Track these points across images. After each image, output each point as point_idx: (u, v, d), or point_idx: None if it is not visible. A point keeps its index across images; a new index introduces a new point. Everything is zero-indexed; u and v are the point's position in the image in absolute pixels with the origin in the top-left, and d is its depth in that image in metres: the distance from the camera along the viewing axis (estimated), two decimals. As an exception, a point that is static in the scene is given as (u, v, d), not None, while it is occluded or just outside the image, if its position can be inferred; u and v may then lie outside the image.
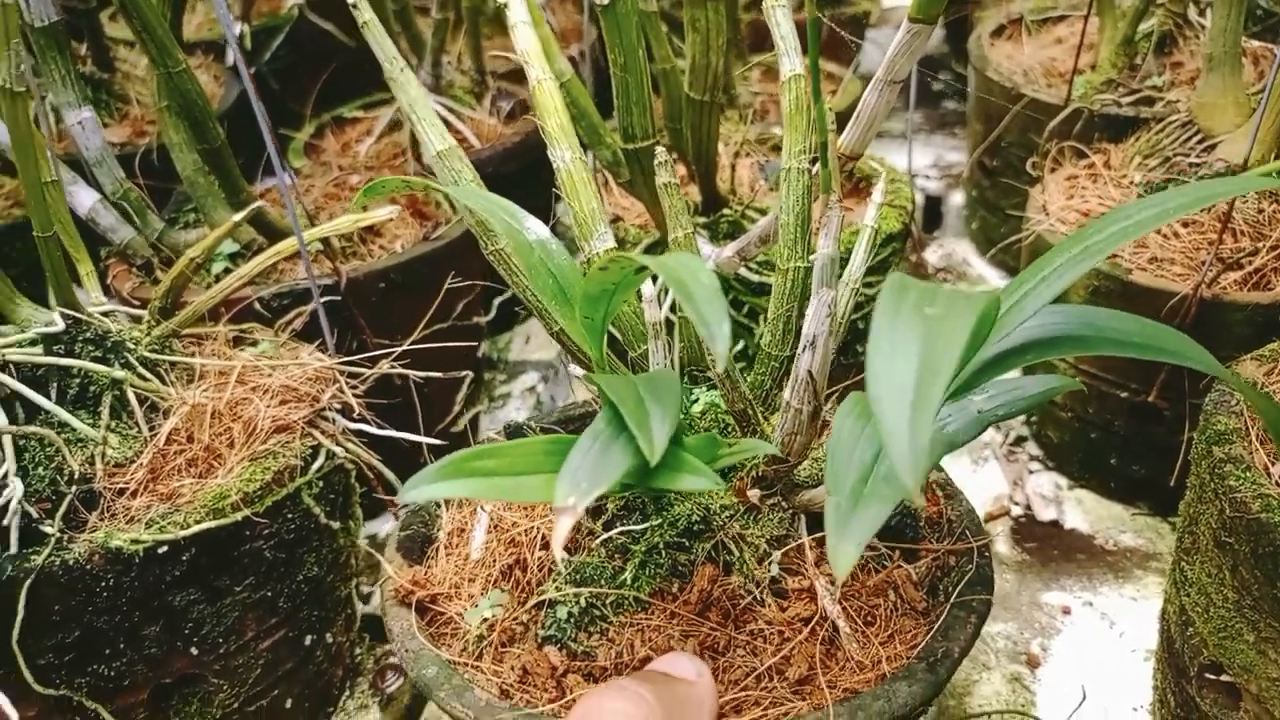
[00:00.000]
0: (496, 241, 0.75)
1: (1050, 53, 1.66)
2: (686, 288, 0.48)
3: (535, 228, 0.67)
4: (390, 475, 0.89)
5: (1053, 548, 1.19)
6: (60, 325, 0.82)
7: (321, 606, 0.89)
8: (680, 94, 1.07)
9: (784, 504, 0.73)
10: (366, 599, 1.12)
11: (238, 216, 0.89)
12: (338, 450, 0.84)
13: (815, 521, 0.73)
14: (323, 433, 0.84)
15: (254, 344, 0.97)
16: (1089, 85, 1.49)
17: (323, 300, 0.96)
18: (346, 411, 0.88)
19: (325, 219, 1.34)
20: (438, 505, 0.80)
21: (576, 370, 0.75)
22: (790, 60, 0.75)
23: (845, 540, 0.45)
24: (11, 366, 0.78)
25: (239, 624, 0.81)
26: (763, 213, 1.21)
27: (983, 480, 1.30)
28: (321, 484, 0.85)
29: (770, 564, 0.70)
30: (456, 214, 1.30)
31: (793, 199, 0.74)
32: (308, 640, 0.88)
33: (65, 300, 0.82)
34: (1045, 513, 1.24)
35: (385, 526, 1.25)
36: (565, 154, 0.75)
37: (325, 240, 1.06)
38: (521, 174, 1.57)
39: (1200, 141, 1.18)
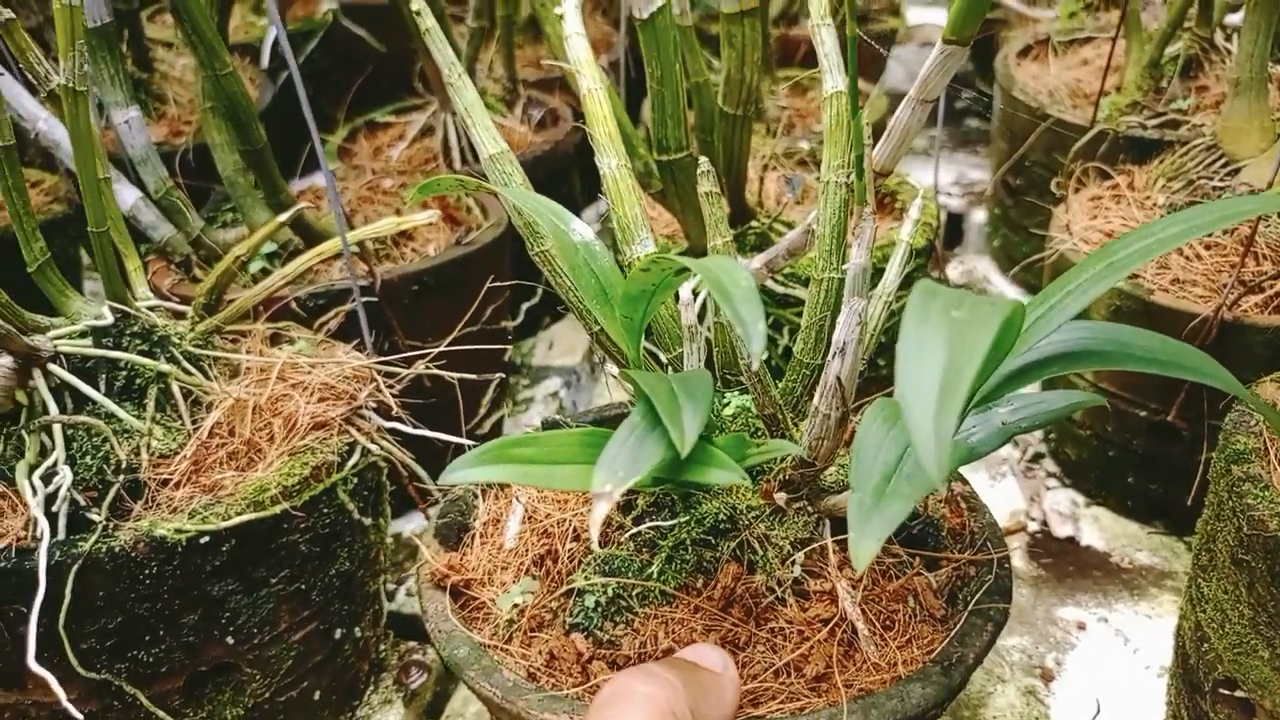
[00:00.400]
0: (543, 243, 0.77)
1: (1076, 74, 1.67)
2: (725, 289, 0.51)
3: (580, 230, 0.69)
4: (423, 473, 0.92)
5: (1069, 564, 1.20)
6: (109, 319, 0.84)
7: (351, 601, 0.92)
8: (713, 107, 1.10)
9: (809, 508, 0.75)
10: (392, 596, 1.14)
11: (282, 217, 0.92)
12: (373, 448, 0.86)
13: (839, 526, 0.75)
14: (359, 430, 0.87)
15: (291, 342, 0.99)
16: (1114, 107, 1.51)
17: (360, 300, 0.99)
18: (381, 410, 0.90)
19: (359, 221, 1.37)
20: (475, 495, 0.82)
21: (613, 369, 0.77)
22: (833, 77, 0.77)
23: (866, 536, 0.47)
24: (62, 358, 0.81)
25: (273, 615, 0.83)
26: (789, 226, 1.23)
27: (1000, 495, 1.31)
28: (356, 480, 0.87)
29: (793, 565, 0.71)
30: (488, 220, 1.32)
31: (830, 211, 0.76)
32: (337, 634, 0.91)
33: (114, 294, 0.85)
34: (1062, 529, 1.25)
35: (410, 525, 1.27)
36: (612, 160, 0.77)
37: (361, 243, 1.08)
38: (550, 181, 1.60)
39: (1225, 165, 1.20)
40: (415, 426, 0.90)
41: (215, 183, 1.29)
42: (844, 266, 0.73)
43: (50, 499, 0.75)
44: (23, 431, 0.78)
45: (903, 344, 0.42)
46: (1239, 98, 1.18)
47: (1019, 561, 1.21)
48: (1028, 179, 1.63)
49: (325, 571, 0.87)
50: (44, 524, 0.72)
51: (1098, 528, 1.25)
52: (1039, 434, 1.39)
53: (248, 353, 0.93)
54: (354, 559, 0.90)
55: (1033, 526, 1.26)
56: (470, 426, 1.31)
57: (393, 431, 0.91)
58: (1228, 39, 1.52)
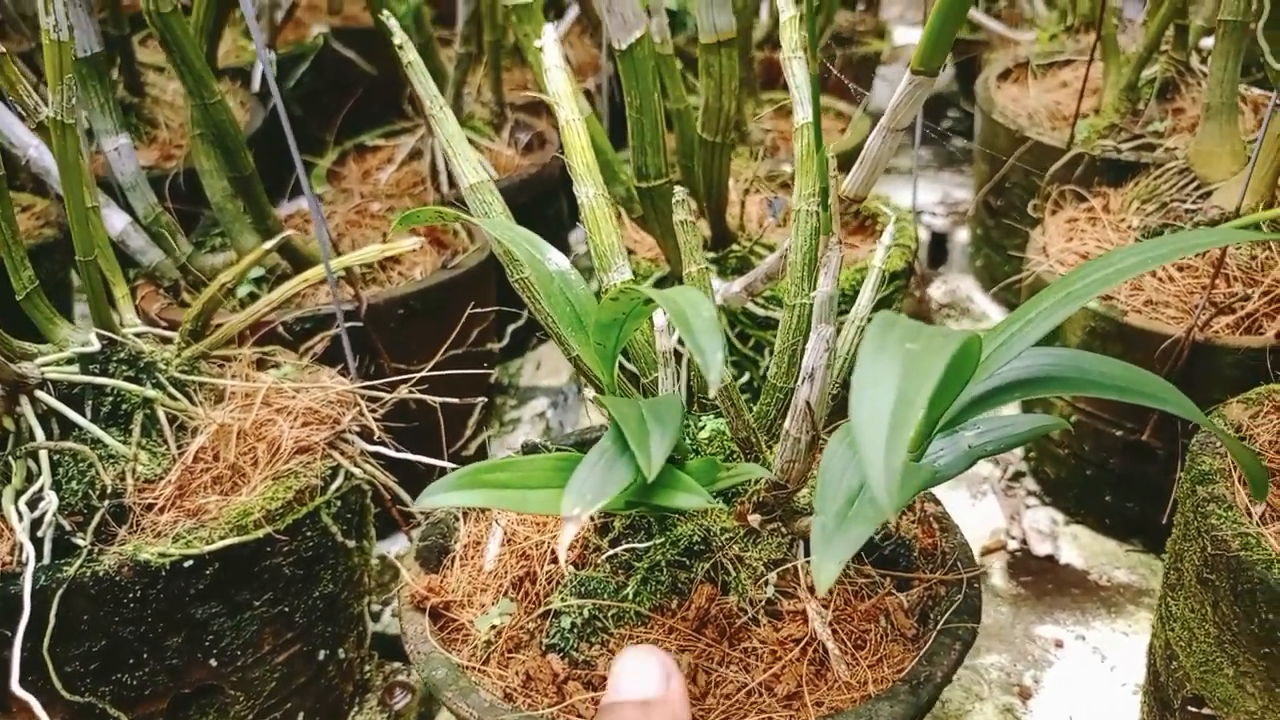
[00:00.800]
0: (521, 271, 0.79)
1: (1056, 96, 1.70)
2: (687, 320, 0.52)
3: (556, 259, 0.71)
4: (406, 496, 0.93)
5: (1048, 582, 1.22)
6: (96, 345, 0.86)
7: (335, 623, 0.93)
8: (693, 133, 1.12)
9: (783, 529, 0.76)
10: (377, 617, 1.15)
11: (268, 244, 0.94)
12: (356, 471, 0.88)
13: (811, 547, 0.76)
14: (342, 454, 0.88)
15: (277, 366, 1.01)
16: (1093, 129, 1.53)
17: (345, 325, 1.00)
18: (365, 434, 0.91)
19: (347, 245, 1.39)
20: (456, 518, 0.83)
21: (590, 393, 0.79)
22: (803, 109, 0.79)
23: (827, 559, 0.49)
24: (50, 384, 0.82)
25: (257, 637, 0.84)
26: (770, 249, 1.25)
27: (980, 514, 1.33)
28: (339, 503, 0.89)
29: (766, 585, 0.73)
30: (474, 243, 1.34)
31: (801, 239, 0.78)
32: (321, 655, 0.92)
33: (102, 321, 0.86)
34: (1041, 547, 1.26)
35: (395, 547, 1.28)
36: (590, 190, 0.79)
37: (347, 267, 1.10)
38: (536, 204, 1.62)
39: (1197, 188, 1.22)
40: (398, 450, 0.92)
41: (205, 207, 1.31)
42: (813, 293, 0.75)
43: (36, 524, 0.76)
44: (9, 458, 0.79)
45: (858, 375, 0.44)
46: (1210, 122, 1.21)
47: (999, 579, 1.23)
48: (1008, 200, 1.65)
49: (309, 594, 0.88)
50: (29, 549, 0.73)
51: (1077, 546, 1.27)
52: (1019, 452, 1.41)
53: (233, 377, 0.94)
54: (338, 581, 0.91)
55: (1013, 545, 1.28)
56: (457, 448, 1.32)
57: (376, 455, 0.92)
58: (1203, 62, 1.54)
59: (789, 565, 0.74)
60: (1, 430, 0.80)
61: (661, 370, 0.75)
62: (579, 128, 0.83)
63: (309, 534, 0.86)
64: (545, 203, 1.63)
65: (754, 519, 0.75)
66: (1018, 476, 1.38)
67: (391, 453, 0.91)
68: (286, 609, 0.86)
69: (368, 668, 1.04)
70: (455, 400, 0.94)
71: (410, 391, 0.91)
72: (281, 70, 2.05)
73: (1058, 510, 1.31)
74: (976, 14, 2.18)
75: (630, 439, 0.55)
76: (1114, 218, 1.28)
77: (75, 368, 0.84)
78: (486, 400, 1.34)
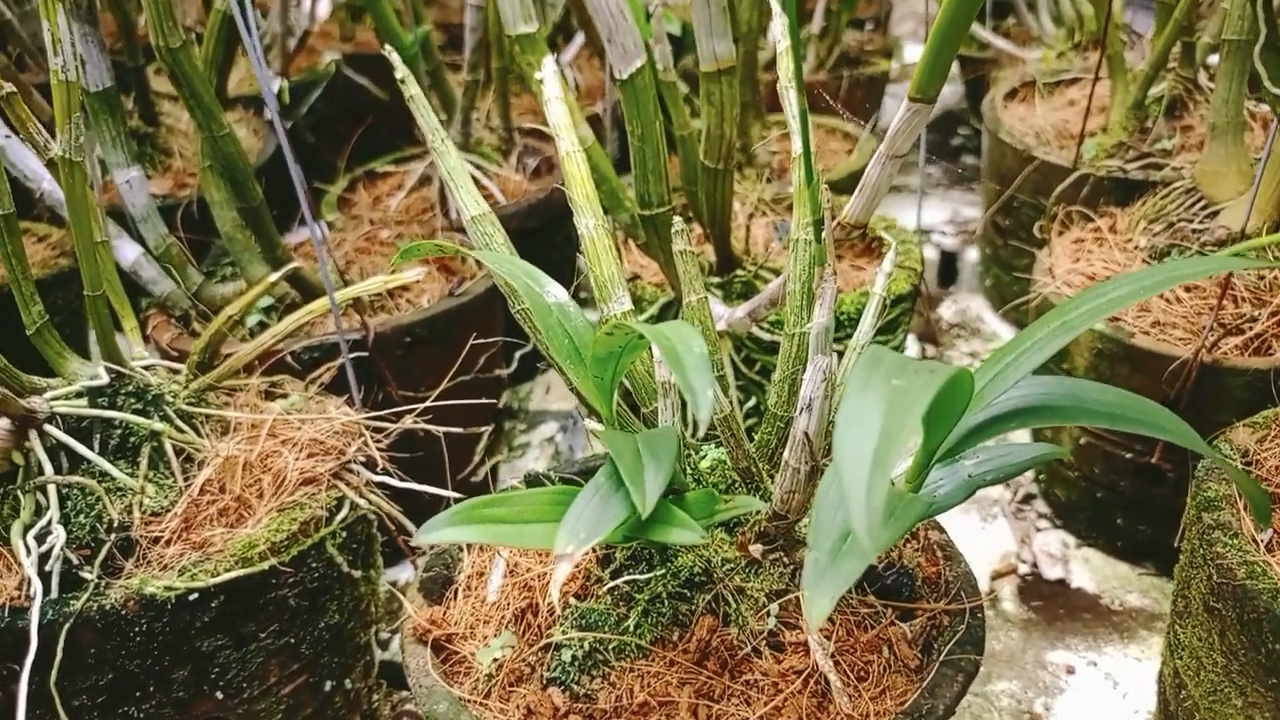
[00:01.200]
0: (521, 302, 0.79)
1: (1063, 115, 1.69)
2: (677, 356, 0.53)
3: (555, 291, 0.72)
4: (411, 526, 0.93)
5: (1059, 606, 1.21)
6: (104, 379, 0.87)
7: (342, 653, 0.93)
8: (697, 159, 1.12)
9: (785, 559, 0.76)
10: (385, 646, 1.15)
11: (274, 276, 0.95)
12: (361, 502, 0.88)
13: (815, 578, 0.76)
14: (347, 485, 0.89)
15: (284, 396, 1.02)
16: (1100, 148, 1.53)
17: (351, 355, 1.01)
18: (371, 464, 0.92)
19: (356, 272, 1.40)
20: (460, 549, 0.83)
21: (591, 424, 0.79)
22: (798, 140, 0.80)
23: (819, 594, 0.49)
24: (58, 418, 0.83)
25: (263, 669, 0.85)
26: (776, 272, 1.25)
27: (991, 537, 1.32)
28: (345, 534, 0.89)
29: (768, 616, 0.72)
30: (481, 270, 1.35)
31: (799, 268, 0.78)
32: (327, 686, 0.92)
33: (109, 354, 0.87)
34: (1052, 571, 1.26)
35: (404, 574, 1.28)
36: (590, 221, 0.80)
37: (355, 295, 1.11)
38: (545, 228, 1.63)
39: (1204, 208, 1.21)
40: (402, 480, 0.92)
41: (217, 235, 1.32)
42: (809, 324, 0.75)
43: (44, 558, 0.77)
44: (18, 492, 0.80)
45: (842, 413, 0.44)
46: (1216, 141, 1.20)
47: (1010, 604, 1.22)
48: (1016, 219, 1.65)
49: (314, 625, 0.88)
50: (37, 584, 0.74)
51: (1088, 569, 1.26)
52: (1030, 475, 1.40)
53: (241, 408, 0.95)
54: (344, 611, 0.92)
55: (1024, 568, 1.27)
56: (465, 473, 1.33)
57: (382, 485, 0.92)
58: (1212, 79, 1.54)
59: (791, 596, 0.74)
60: (10, 464, 0.81)
61: (661, 400, 0.75)
62: (579, 159, 0.84)
63: (314, 565, 0.86)
64: (555, 227, 1.64)
65: (755, 549, 0.75)
66: (1028, 499, 1.37)
67: (397, 482, 0.92)
68: (292, 640, 0.86)
69: (375, 697, 1.04)
70: (459, 430, 0.94)
71: (415, 421, 0.91)
72: (294, 97, 2.07)
73: (1069, 533, 1.30)
74: (984, 32, 2.19)
75: (625, 475, 0.55)
76: (1121, 238, 1.27)
77: (84, 401, 0.85)
78: (494, 427, 1.35)
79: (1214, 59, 1.55)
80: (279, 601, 0.84)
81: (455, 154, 0.84)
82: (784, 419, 0.80)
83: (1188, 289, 1.15)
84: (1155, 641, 1.14)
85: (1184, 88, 1.54)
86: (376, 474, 0.92)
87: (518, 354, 1.43)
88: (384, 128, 1.90)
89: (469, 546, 0.85)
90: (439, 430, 0.92)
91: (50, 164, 0.89)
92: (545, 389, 1.69)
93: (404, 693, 1.09)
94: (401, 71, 0.84)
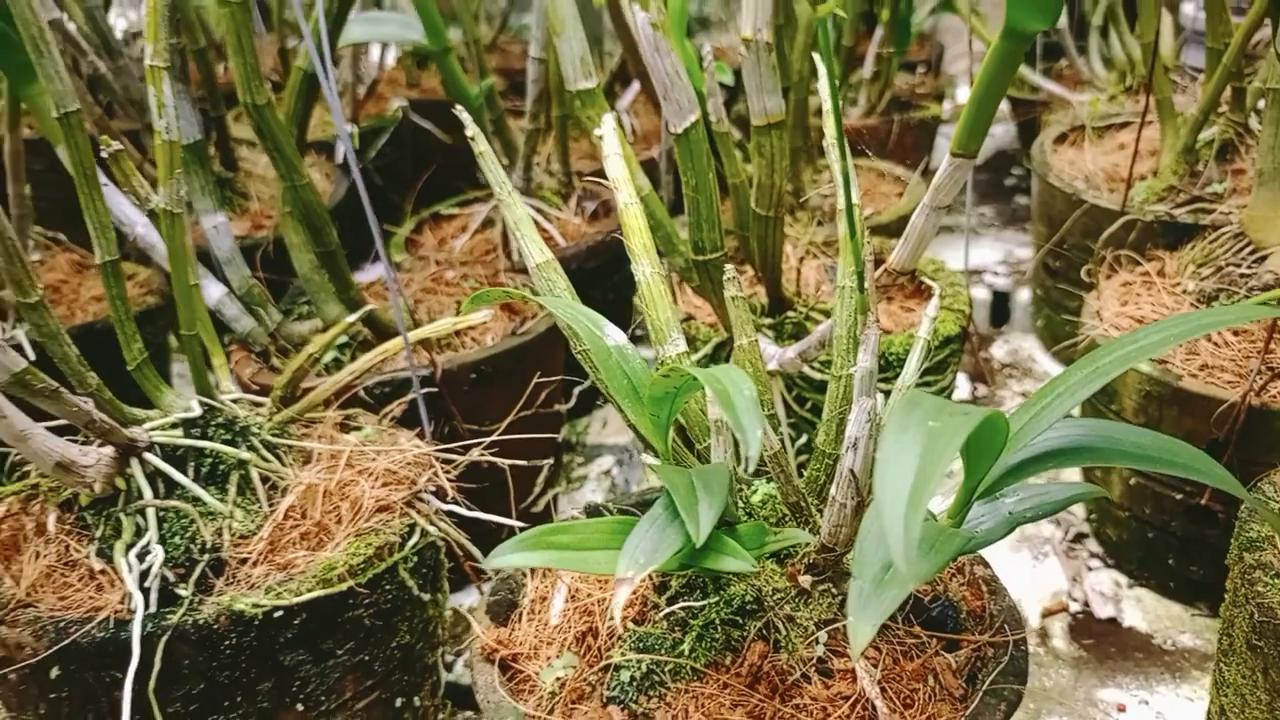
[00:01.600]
0: (582, 344, 0.85)
1: (1113, 158, 1.72)
2: (729, 398, 0.57)
3: (613, 334, 0.77)
4: (477, 553, 0.98)
5: (1110, 645, 1.22)
6: (197, 411, 0.94)
7: (411, 672, 0.98)
8: (749, 205, 1.17)
9: (832, 590, 0.80)
10: (450, 667, 1.20)
11: (351, 318, 1.02)
12: (432, 529, 0.94)
13: (861, 609, 0.79)
14: (419, 513, 0.94)
15: (359, 429, 1.08)
16: (1150, 191, 1.55)
17: (421, 391, 1.07)
18: (440, 493, 0.98)
19: (423, 311, 1.47)
20: (524, 575, 0.88)
21: (648, 459, 0.84)
22: (843, 195, 0.84)
23: (863, 620, 0.53)
24: (156, 447, 0.90)
25: (339, 684, 0.90)
26: (826, 314, 1.29)
27: (1042, 576, 1.33)
28: (416, 559, 0.95)
29: (816, 644, 0.76)
30: (543, 310, 1.41)
31: (845, 314, 0.82)
32: (398, 703, 0.97)
33: (202, 389, 0.94)
34: (1103, 610, 1.27)
35: (468, 600, 1.34)
36: (646, 269, 0.85)
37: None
38: (603, 269, 1.69)
39: (1252, 252, 1.23)
40: (469, 509, 0.97)
41: (292, 275, 1.40)
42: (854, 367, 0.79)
43: (143, 575, 0.83)
44: (120, 514, 0.87)
45: (881, 452, 0.48)
46: (1263, 187, 1.22)
47: (1060, 642, 1.23)
48: (1067, 261, 1.67)
49: (387, 644, 0.93)
50: (139, 598, 0.80)
51: (1140, 609, 1.27)
52: (1081, 514, 1.41)
53: (320, 440, 1.01)
54: (413, 632, 0.97)
55: (1074, 607, 1.28)
56: (527, 504, 1.38)
57: (450, 513, 0.98)
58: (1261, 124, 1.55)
59: (838, 625, 0.78)
60: (113, 489, 0.88)
61: (714, 438, 0.80)
62: (636, 210, 0.89)
63: (388, 587, 0.92)
64: (612, 268, 1.70)
65: (804, 580, 0.79)
66: (1080, 538, 1.38)
67: (464, 511, 0.97)
68: (367, 658, 0.92)
69: (440, 716, 1.09)
70: (524, 463, 1.00)
71: (482, 453, 0.97)
72: (363, 142, 2.16)
73: (1120, 573, 1.31)
74: (1035, 75, 2.22)
75: (680, 506, 0.60)
76: (1169, 282, 1.29)
77: (179, 431, 0.92)
78: (554, 459, 1.40)
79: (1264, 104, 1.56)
80: (355, 621, 0.89)
81: (520, 205, 0.90)
82: (831, 456, 0.84)
83: (1235, 332, 1.17)
84: (1208, 682, 1.15)
85: (1235, 132, 1.55)
86: (445, 503, 0.98)
87: (576, 390, 1.48)
88: (447, 171, 1.99)
89: (532, 573, 0.90)
90: (504, 463, 0.97)
91: (151, 214, 0.97)
92: (602, 424, 1.74)
93: (468, 713, 1.14)
94: (471, 129, 0.90)
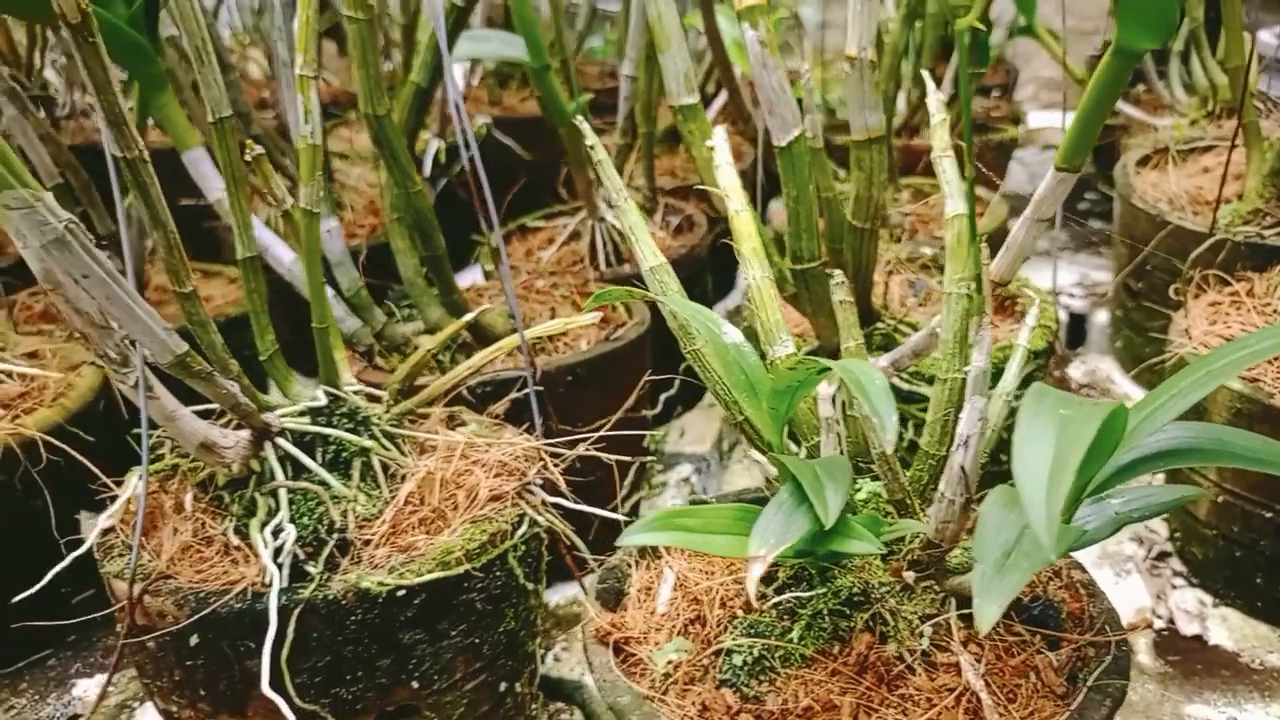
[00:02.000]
0: (694, 343, 0.89)
1: (1197, 181, 1.72)
2: (863, 387, 0.61)
3: (731, 333, 0.80)
4: (580, 543, 1.02)
5: (1196, 662, 1.22)
6: (323, 400, 0.99)
7: (514, 658, 1.02)
8: (841, 219, 1.21)
9: (935, 586, 0.83)
10: (542, 659, 1.24)
11: (467, 317, 1.07)
12: (541, 520, 0.98)
13: (963, 603, 0.82)
14: (527, 503, 0.98)
15: (464, 424, 1.13)
16: (1236, 214, 1.55)
17: (526, 391, 1.12)
18: (547, 486, 1.02)
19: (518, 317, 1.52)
20: (629, 565, 0.92)
21: (755, 455, 0.87)
22: (953, 202, 0.88)
23: (988, 601, 0.55)
24: (287, 432, 0.95)
25: (451, 665, 0.94)
26: (914, 327, 1.32)
27: (1125, 592, 1.34)
28: (523, 548, 0.99)
29: (921, 636, 0.79)
30: (632, 318, 1.45)
31: (954, 319, 0.85)
32: (502, 687, 1.01)
33: (329, 379, 1.00)
34: (1189, 627, 1.27)
35: (555, 598, 1.38)
36: (757, 273, 0.89)
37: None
38: (687, 282, 1.71)
39: (1345, 273, 1.24)
40: (575, 502, 1.01)
41: (388, 280, 1.47)
42: (966, 368, 0.82)
43: (276, 552, 0.88)
44: (255, 494, 0.92)
45: (1018, 435, 0.51)
46: (1356, 210, 1.23)
47: (1145, 658, 1.24)
48: (1149, 283, 1.67)
49: (495, 629, 0.98)
50: (275, 572, 0.85)
51: (1226, 628, 1.26)
52: (1164, 532, 1.41)
53: (429, 432, 1.06)
54: (518, 619, 1.01)
55: (1159, 624, 1.28)
56: (610, 507, 1.42)
57: (555, 505, 1.02)
58: (1352, 148, 1.55)
59: (941, 619, 0.80)
60: (247, 470, 0.93)
61: (824, 435, 0.83)
62: (747, 216, 0.93)
63: (498, 574, 0.96)
64: (695, 281, 1.74)
65: (908, 575, 0.82)
66: (1163, 556, 1.39)
67: (569, 504, 1.01)
68: (477, 641, 0.96)
69: (534, 705, 1.13)
70: (627, 459, 1.03)
71: (587, 449, 1.01)
72: (450, 155, 2.24)
73: (1205, 591, 1.31)
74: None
75: (809, 490, 0.63)
76: (1258, 302, 1.30)
77: (306, 419, 0.98)
78: (640, 464, 1.44)
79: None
80: (468, 604, 0.94)
81: (636, 211, 0.94)
82: (936, 457, 0.86)
83: (1329, 352, 1.17)
84: (1296, 701, 1.15)
85: (1323, 156, 1.55)
86: (552, 496, 1.02)
87: (663, 396, 1.52)
88: (528, 186, 2.05)
89: (637, 563, 0.93)
90: (609, 458, 1.01)
91: (285, 215, 1.03)
92: (680, 433, 1.78)
93: (559, 704, 1.17)
94: (591, 139, 0.95)
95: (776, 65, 1.04)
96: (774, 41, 1.04)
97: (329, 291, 1.35)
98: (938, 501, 0.78)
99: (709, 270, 1.83)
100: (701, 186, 1.12)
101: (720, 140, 0.97)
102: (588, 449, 1.02)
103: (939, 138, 0.90)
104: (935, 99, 0.91)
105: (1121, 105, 2.18)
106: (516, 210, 1.94)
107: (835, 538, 0.66)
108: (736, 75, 1.89)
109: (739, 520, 0.71)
